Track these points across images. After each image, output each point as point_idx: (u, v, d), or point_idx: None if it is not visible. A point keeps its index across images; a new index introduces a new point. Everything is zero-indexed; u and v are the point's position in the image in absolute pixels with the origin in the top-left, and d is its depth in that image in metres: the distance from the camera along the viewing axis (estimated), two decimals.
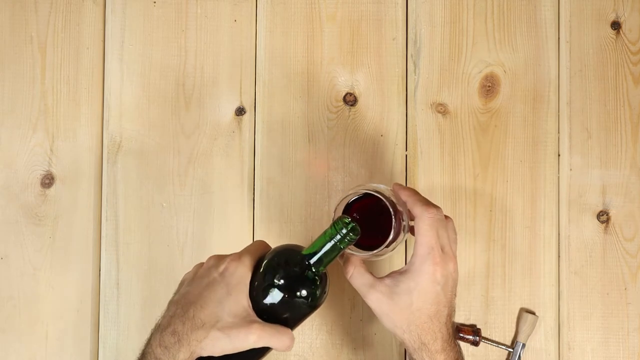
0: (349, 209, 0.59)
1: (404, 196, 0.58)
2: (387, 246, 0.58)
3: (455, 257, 0.58)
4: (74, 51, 0.79)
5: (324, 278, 0.59)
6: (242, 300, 0.55)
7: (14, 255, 0.77)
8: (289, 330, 0.57)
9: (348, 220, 0.56)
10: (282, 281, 0.57)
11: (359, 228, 0.56)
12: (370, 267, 0.66)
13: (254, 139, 0.79)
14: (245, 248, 0.60)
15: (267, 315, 0.57)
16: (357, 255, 0.59)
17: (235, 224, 0.78)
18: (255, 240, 0.73)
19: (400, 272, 0.59)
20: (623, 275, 0.77)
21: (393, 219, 0.57)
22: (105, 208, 0.78)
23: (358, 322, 0.77)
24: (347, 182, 0.78)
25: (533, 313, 0.76)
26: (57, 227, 0.78)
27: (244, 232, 0.78)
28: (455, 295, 0.60)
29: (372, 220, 0.60)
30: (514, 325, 0.77)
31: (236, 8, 0.80)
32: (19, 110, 0.79)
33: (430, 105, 0.79)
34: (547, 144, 0.78)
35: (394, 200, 0.59)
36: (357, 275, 0.59)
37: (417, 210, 0.57)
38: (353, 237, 0.56)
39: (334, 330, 0.77)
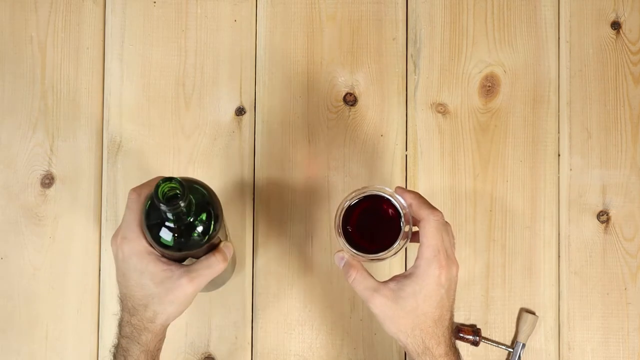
0: (352, 211, 0.58)
1: (409, 199, 0.57)
2: (394, 249, 0.57)
3: (456, 260, 0.58)
4: (74, 51, 0.79)
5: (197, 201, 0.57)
6: (152, 267, 0.56)
7: (14, 255, 0.77)
8: (214, 256, 0.58)
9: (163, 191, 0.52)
10: (162, 228, 0.55)
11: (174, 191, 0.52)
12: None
13: (254, 139, 0.79)
14: (124, 215, 0.58)
15: (183, 248, 0.57)
16: (359, 258, 0.58)
17: (235, 224, 0.78)
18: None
19: (404, 276, 0.57)
20: (623, 275, 0.77)
21: (402, 220, 0.56)
22: (105, 208, 0.78)
23: (358, 322, 0.77)
24: (347, 182, 0.78)
25: (533, 313, 0.76)
26: (57, 227, 0.78)
27: (244, 232, 0.78)
28: (454, 299, 0.60)
29: (376, 223, 0.59)
30: (514, 325, 0.77)
31: (236, 8, 0.80)
32: (19, 110, 0.79)
33: (430, 105, 0.79)
34: (547, 144, 0.78)
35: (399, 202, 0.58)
36: (360, 279, 0.57)
37: (424, 213, 0.56)
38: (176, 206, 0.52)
39: (334, 330, 0.77)
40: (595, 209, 0.78)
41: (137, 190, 0.58)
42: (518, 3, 0.80)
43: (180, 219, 0.55)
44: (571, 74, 0.79)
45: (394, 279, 0.58)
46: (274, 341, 0.77)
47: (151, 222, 0.56)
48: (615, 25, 0.79)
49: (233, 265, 0.75)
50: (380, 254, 0.57)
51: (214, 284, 0.69)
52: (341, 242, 0.57)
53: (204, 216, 0.57)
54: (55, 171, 0.78)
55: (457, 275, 0.58)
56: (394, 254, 0.56)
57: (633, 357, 0.77)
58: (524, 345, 0.75)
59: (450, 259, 0.56)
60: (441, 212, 0.57)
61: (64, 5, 0.80)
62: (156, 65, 0.79)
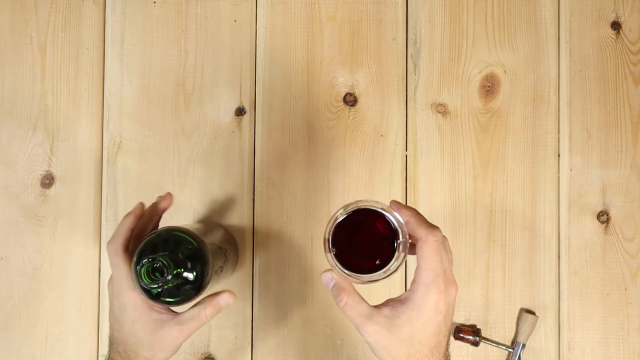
0: (343, 226, 0.52)
1: (406, 216, 0.53)
2: (390, 270, 0.52)
3: (455, 280, 0.54)
4: (74, 51, 0.79)
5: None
6: (144, 317, 0.58)
7: (14, 255, 0.77)
8: (205, 309, 0.59)
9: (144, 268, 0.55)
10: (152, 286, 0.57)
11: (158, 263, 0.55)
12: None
13: (254, 139, 0.79)
14: (112, 272, 0.60)
15: (174, 303, 0.59)
16: (351, 279, 0.52)
17: (235, 224, 0.78)
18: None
19: (399, 301, 0.53)
20: (623, 275, 0.77)
21: (400, 237, 0.52)
22: (105, 208, 0.78)
23: None
24: (347, 183, 0.78)
25: (533, 313, 0.76)
26: (57, 227, 0.78)
27: (244, 232, 0.78)
28: (452, 322, 0.57)
29: (369, 241, 0.54)
30: (514, 325, 0.77)
31: (236, 8, 0.80)
32: (19, 110, 0.79)
33: (430, 105, 0.79)
34: (547, 144, 0.78)
35: (396, 219, 0.53)
36: (351, 304, 0.53)
37: (422, 232, 0.52)
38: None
39: (334, 330, 0.77)
40: (595, 209, 0.78)
41: (112, 244, 0.59)
42: (518, 3, 0.80)
43: (168, 281, 0.56)
44: (571, 74, 0.79)
45: (388, 303, 0.54)
46: (274, 341, 0.77)
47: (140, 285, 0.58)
48: (615, 26, 0.79)
49: (233, 265, 0.75)
50: (374, 275, 0.51)
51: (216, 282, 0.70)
52: (331, 261, 0.52)
53: (191, 275, 0.59)
54: (55, 171, 0.78)
55: (455, 298, 0.54)
56: (389, 275, 0.52)
57: (633, 358, 0.77)
58: (524, 345, 0.75)
59: (448, 281, 0.53)
60: (439, 230, 0.53)
61: (64, 5, 0.80)
62: (156, 65, 0.79)
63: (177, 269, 0.57)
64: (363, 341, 0.77)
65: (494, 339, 0.77)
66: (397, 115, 0.79)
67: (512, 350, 0.76)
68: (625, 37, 0.79)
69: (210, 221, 0.78)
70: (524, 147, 0.78)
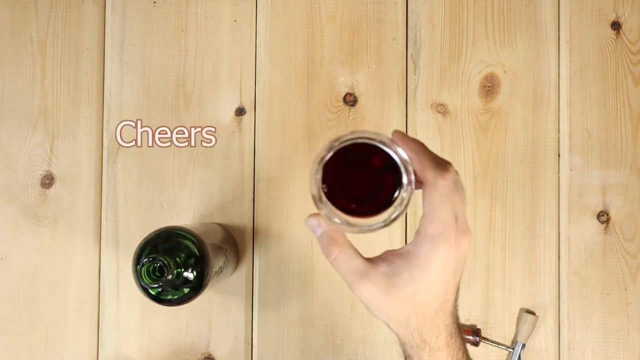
0: (334, 163, 0.43)
1: (410, 151, 0.43)
2: (390, 217, 0.42)
3: (468, 226, 0.45)
4: (74, 51, 0.79)
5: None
6: None
7: (14, 255, 0.77)
8: None
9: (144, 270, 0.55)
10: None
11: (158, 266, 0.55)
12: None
13: (254, 139, 0.79)
14: None
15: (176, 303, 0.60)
16: (343, 227, 0.43)
17: (235, 224, 0.78)
18: None
19: (400, 255, 0.44)
20: (623, 275, 0.77)
21: (404, 179, 0.42)
22: (105, 208, 0.78)
23: (358, 322, 0.77)
24: None
25: (533, 313, 0.76)
26: (57, 227, 0.78)
27: (244, 232, 0.78)
28: (462, 273, 0.48)
29: (366, 181, 0.45)
30: (514, 325, 0.77)
31: (236, 8, 0.80)
32: (19, 110, 0.79)
33: (430, 105, 0.79)
34: (547, 144, 0.78)
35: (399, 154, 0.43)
36: (343, 259, 0.44)
37: (429, 174, 0.43)
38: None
39: (334, 330, 0.77)
40: (595, 209, 0.78)
41: None
42: (518, 3, 0.80)
43: (168, 281, 0.57)
44: (571, 74, 0.79)
45: (386, 257, 0.45)
46: (274, 341, 0.77)
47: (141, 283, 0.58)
48: (615, 26, 0.79)
49: (233, 265, 0.75)
50: (372, 223, 0.42)
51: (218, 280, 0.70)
52: (322, 205, 0.42)
53: (191, 275, 0.59)
54: (55, 171, 0.78)
55: (468, 249, 0.45)
56: (390, 223, 0.42)
57: (633, 358, 0.76)
58: (524, 345, 0.75)
59: (460, 231, 0.43)
60: (450, 169, 0.43)
61: (64, 5, 0.80)
62: (156, 65, 0.79)
63: (177, 268, 0.57)
64: (363, 341, 0.77)
65: (494, 339, 0.77)
66: (397, 115, 0.79)
67: (512, 350, 0.76)
68: (625, 37, 0.79)
69: (210, 221, 0.78)
70: (524, 147, 0.78)
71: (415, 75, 0.79)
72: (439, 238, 0.43)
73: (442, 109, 0.79)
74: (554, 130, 0.79)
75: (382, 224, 0.42)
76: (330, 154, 0.42)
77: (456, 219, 0.43)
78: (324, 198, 0.42)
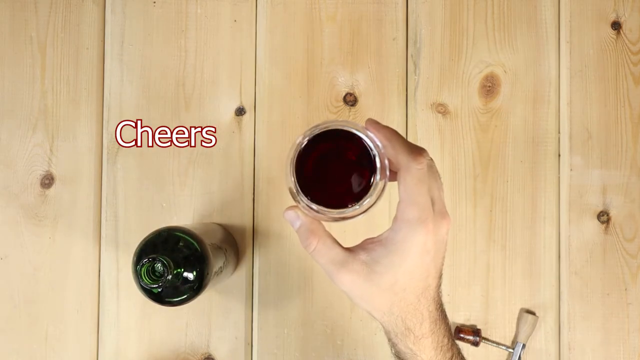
0: (309, 153, 0.43)
1: (383, 139, 0.44)
2: (365, 204, 0.43)
3: (447, 211, 0.45)
4: (74, 51, 0.79)
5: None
6: None
7: (14, 255, 0.77)
8: None
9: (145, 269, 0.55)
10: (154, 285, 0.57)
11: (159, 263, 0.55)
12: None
13: (254, 139, 0.79)
14: None
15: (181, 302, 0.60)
16: (320, 216, 0.44)
17: (235, 224, 0.78)
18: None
19: (379, 242, 0.45)
20: (623, 275, 0.77)
21: (377, 165, 0.43)
22: (105, 208, 0.78)
23: (358, 322, 0.77)
24: None
25: (533, 313, 0.76)
26: (57, 227, 0.78)
27: (244, 232, 0.78)
28: (444, 258, 0.47)
29: (341, 169, 0.46)
30: (514, 325, 0.77)
31: (236, 8, 0.80)
32: (19, 110, 0.79)
33: (430, 105, 0.79)
34: (547, 144, 0.78)
35: (373, 141, 0.44)
36: (322, 249, 0.45)
37: (402, 159, 0.43)
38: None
39: (334, 330, 0.77)
40: (595, 209, 0.78)
41: None
42: (518, 3, 0.80)
43: (168, 281, 0.57)
44: (571, 74, 0.79)
45: (365, 245, 0.45)
46: (274, 341, 0.77)
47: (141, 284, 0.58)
48: (616, 26, 0.79)
49: (233, 265, 0.75)
50: (346, 211, 0.43)
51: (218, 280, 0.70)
52: (297, 195, 0.43)
53: (190, 275, 0.59)
54: (55, 171, 0.78)
55: (447, 233, 0.45)
56: (365, 211, 0.43)
57: (633, 358, 0.76)
58: (524, 345, 0.75)
59: (438, 216, 0.44)
60: (424, 154, 0.44)
61: (64, 5, 0.80)
62: (156, 65, 0.79)
63: (177, 268, 0.57)
64: (363, 341, 0.77)
65: (494, 339, 0.76)
66: (397, 115, 0.79)
67: (512, 351, 0.76)
68: (626, 37, 0.79)
69: (210, 221, 0.78)
70: (524, 147, 0.78)
71: (415, 75, 0.79)
72: (416, 222, 0.43)
73: (442, 109, 0.79)
74: (554, 130, 0.79)
75: (359, 211, 0.43)
76: (305, 142, 0.43)
77: (433, 203, 0.44)
78: (299, 189, 0.43)
